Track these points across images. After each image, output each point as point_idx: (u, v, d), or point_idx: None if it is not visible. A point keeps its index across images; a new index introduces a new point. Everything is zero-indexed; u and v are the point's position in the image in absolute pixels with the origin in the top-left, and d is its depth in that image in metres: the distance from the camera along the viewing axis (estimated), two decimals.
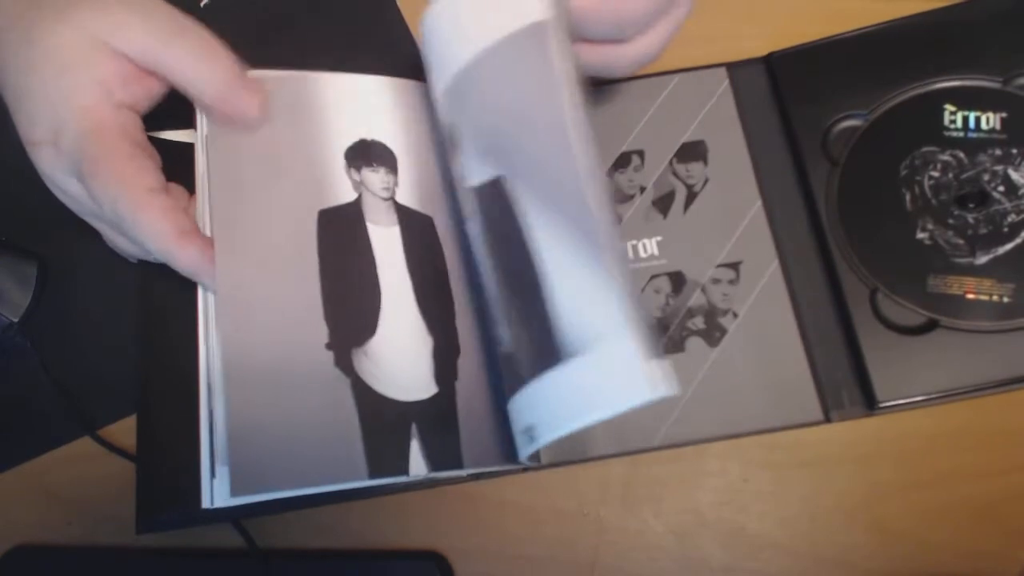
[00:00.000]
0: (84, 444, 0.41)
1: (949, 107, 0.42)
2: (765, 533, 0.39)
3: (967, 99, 0.42)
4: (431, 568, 0.39)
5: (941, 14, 0.44)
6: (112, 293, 0.43)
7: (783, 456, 0.40)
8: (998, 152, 0.41)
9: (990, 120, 0.42)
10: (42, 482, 0.42)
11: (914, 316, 0.39)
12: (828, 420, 0.39)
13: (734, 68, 0.45)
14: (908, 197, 0.41)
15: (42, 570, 0.40)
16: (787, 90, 0.43)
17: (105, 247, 0.40)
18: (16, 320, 0.42)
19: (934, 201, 0.41)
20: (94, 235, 0.39)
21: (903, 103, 0.43)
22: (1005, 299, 0.39)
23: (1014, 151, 0.41)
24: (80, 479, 0.41)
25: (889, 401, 0.38)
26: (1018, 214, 0.40)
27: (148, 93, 0.37)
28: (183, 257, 0.34)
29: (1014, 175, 0.41)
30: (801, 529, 0.39)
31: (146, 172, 0.34)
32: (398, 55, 0.47)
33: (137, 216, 0.33)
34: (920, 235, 0.41)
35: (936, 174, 0.41)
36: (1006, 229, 0.40)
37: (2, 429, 0.42)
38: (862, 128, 0.43)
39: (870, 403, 0.39)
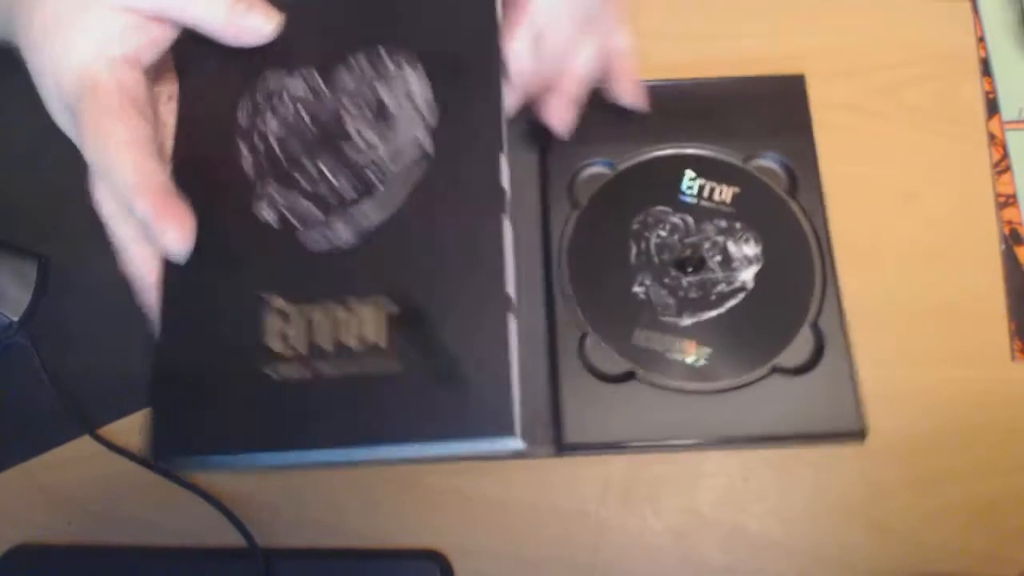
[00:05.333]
0: (84, 444, 0.41)
1: (689, 173, 0.44)
2: (765, 533, 0.39)
3: (708, 169, 0.44)
4: (431, 568, 0.39)
5: (705, 85, 0.46)
6: (112, 293, 0.43)
7: (783, 456, 0.40)
8: (723, 224, 0.43)
9: (723, 192, 0.43)
10: (42, 482, 0.42)
11: (615, 364, 0.40)
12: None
13: None
14: (634, 251, 0.42)
15: (42, 570, 0.40)
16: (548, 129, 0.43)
17: (106, 247, 0.40)
18: (16, 320, 0.42)
19: (656, 259, 0.42)
20: (95, 235, 0.39)
21: (649, 160, 0.45)
22: (700, 362, 0.40)
23: (738, 225, 0.43)
24: (80, 479, 0.41)
25: (576, 442, 0.39)
26: (728, 285, 0.41)
27: (151, 42, 0.36)
28: (138, 206, 0.33)
29: (732, 248, 0.42)
30: (801, 529, 0.39)
31: (128, 126, 0.33)
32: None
33: (111, 167, 0.33)
34: (636, 288, 0.42)
35: (664, 234, 0.43)
36: (714, 297, 0.41)
37: (2, 429, 0.42)
38: (607, 177, 0.44)
39: (559, 443, 0.39)
